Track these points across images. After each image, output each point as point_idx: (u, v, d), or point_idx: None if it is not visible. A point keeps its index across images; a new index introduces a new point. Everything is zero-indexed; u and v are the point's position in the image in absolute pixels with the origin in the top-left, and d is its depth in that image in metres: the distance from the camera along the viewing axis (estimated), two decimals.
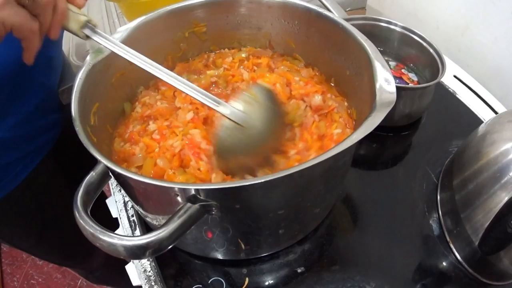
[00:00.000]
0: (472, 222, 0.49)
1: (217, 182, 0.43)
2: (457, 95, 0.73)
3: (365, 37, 0.47)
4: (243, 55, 0.61)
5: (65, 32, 0.96)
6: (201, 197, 0.34)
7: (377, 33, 0.69)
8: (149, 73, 0.59)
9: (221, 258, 0.50)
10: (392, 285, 0.49)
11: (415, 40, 0.67)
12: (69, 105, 0.43)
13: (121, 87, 0.55)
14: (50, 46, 0.66)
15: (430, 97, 0.65)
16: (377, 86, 0.41)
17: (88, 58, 0.48)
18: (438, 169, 0.61)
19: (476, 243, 0.48)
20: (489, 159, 0.48)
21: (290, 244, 0.51)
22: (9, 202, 0.66)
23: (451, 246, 0.52)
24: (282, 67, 0.59)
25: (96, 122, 0.47)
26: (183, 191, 0.34)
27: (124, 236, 0.33)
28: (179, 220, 0.32)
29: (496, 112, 0.69)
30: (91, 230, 0.33)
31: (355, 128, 0.51)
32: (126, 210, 0.57)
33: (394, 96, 0.40)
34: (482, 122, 0.67)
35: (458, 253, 0.51)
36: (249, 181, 0.32)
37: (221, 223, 0.41)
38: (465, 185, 0.51)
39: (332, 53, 0.55)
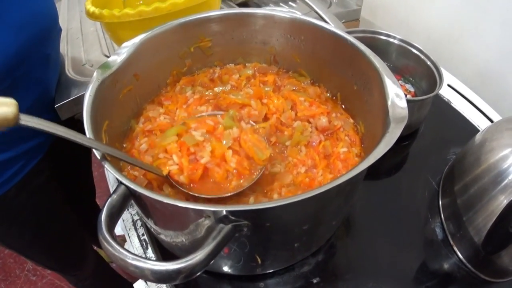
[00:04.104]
0: (474, 224, 0.51)
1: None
2: (452, 104, 0.76)
3: (373, 53, 0.49)
4: (249, 72, 0.60)
5: (61, 39, 0.93)
6: (233, 218, 0.34)
7: (376, 45, 0.71)
8: (155, 88, 0.60)
9: (236, 273, 0.50)
10: None
11: (413, 52, 0.70)
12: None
13: (128, 104, 0.54)
14: (46, 44, 0.66)
15: (428, 107, 0.67)
16: (389, 102, 0.43)
17: (95, 74, 0.46)
18: (438, 176, 0.63)
19: (479, 244, 0.50)
20: (489, 164, 0.50)
21: (305, 257, 0.52)
22: (5, 202, 0.66)
23: (455, 248, 0.54)
24: (288, 85, 0.58)
25: (107, 141, 0.46)
26: (214, 213, 0.34)
27: (156, 262, 0.32)
28: (214, 242, 0.32)
29: (489, 118, 0.73)
30: (121, 257, 0.33)
31: (363, 143, 0.52)
32: (136, 229, 0.56)
33: (406, 111, 0.41)
34: (476, 128, 0.71)
35: (461, 255, 0.54)
36: (282, 201, 0.32)
37: (240, 240, 0.41)
38: (466, 190, 0.53)
39: (339, 68, 0.55)
